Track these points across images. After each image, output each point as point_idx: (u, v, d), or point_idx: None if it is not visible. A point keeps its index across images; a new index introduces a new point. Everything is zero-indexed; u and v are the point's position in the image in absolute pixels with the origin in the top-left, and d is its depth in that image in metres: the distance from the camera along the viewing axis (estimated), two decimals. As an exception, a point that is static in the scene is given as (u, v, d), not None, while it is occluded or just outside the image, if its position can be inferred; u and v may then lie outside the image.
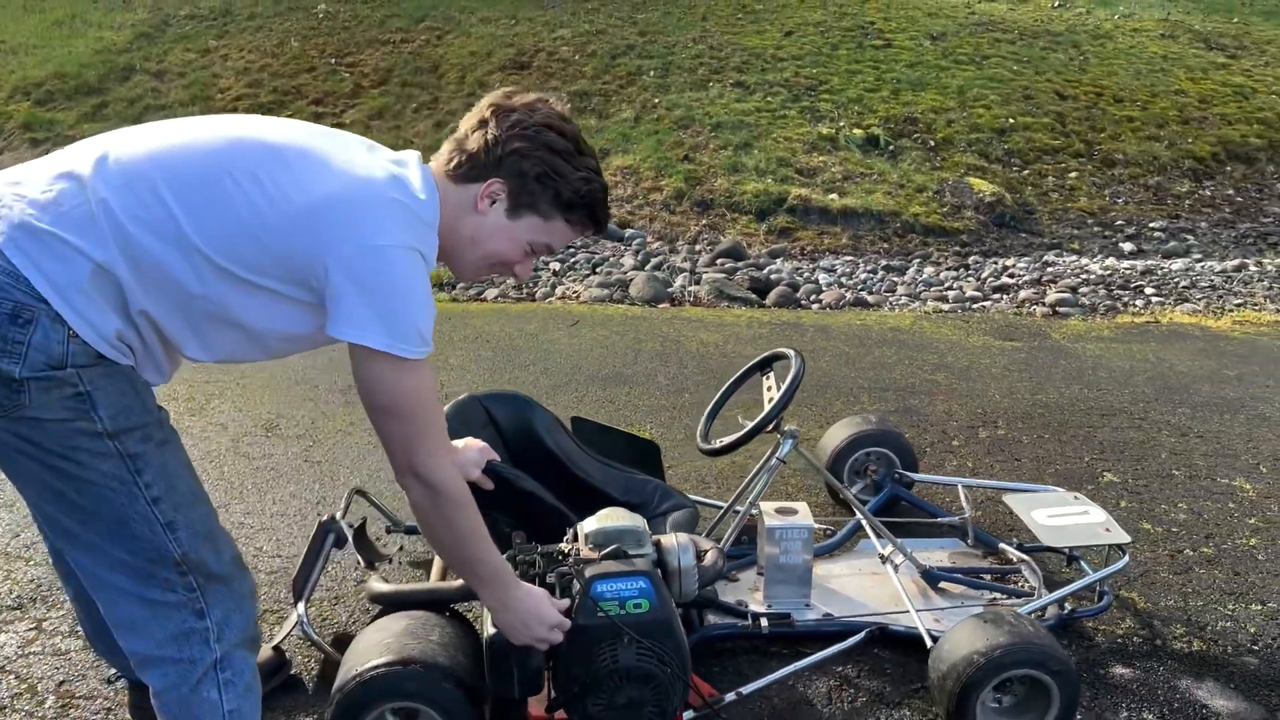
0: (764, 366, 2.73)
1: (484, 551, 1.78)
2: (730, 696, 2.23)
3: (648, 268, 6.75)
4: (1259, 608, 2.83)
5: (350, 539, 2.50)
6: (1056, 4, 12.99)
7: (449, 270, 1.89)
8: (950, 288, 6.65)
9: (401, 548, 3.01)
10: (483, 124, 1.71)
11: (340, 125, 8.78)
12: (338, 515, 2.54)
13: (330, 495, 3.41)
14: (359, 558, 2.62)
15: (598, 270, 6.77)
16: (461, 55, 9.84)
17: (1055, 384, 4.75)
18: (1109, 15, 12.67)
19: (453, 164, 1.72)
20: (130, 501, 1.55)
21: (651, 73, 9.67)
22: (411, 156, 1.72)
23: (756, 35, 10.72)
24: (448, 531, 1.75)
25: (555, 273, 6.73)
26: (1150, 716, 2.34)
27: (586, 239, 1.76)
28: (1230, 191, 8.83)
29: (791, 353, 2.62)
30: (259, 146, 1.58)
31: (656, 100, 9.18)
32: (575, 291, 6.36)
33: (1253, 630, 2.72)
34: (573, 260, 6.93)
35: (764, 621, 2.42)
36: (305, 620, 2.27)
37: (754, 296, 6.31)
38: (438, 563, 2.54)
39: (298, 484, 3.52)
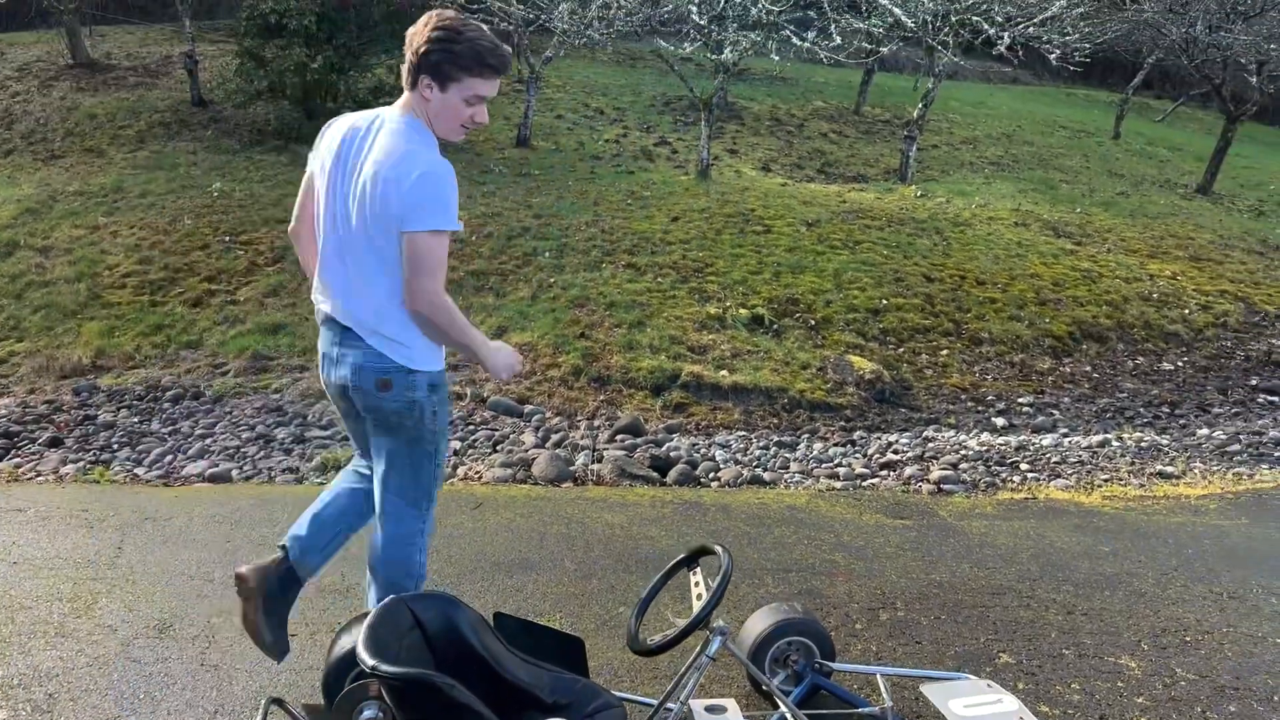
0: (690, 562, 2.82)
1: (469, 337, 2.83)
2: None
3: (548, 444, 6.83)
4: (1157, 790, 2.96)
5: None
6: (919, 194, 14.07)
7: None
8: (840, 464, 6.91)
9: None
10: (405, 50, 2.70)
11: (234, 302, 8.76)
12: None
13: (229, 704, 3.29)
14: None
15: (499, 448, 6.80)
16: (358, 234, 10.00)
17: (947, 563, 4.95)
18: (967, 204, 13.77)
19: (407, 84, 2.75)
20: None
21: (547, 254, 10.00)
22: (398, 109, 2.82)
23: (645, 220, 11.26)
24: (451, 328, 2.76)
25: (456, 452, 6.73)
26: None
27: (498, 76, 2.31)
28: (1088, 368, 9.52)
29: (719, 549, 2.71)
30: None
31: (552, 280, 9.47)
32: (478, 472, 6.36)
33: (1154, 814, 2.83)
34: (473, 439, 6.96)
35: None
36: None
37: (655, 475, 6.43)
38: None
39: (194, 691, 3.37)
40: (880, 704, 3.01)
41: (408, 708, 2.32)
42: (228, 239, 9.81)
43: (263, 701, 2.69)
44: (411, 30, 2.68)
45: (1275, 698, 3.64)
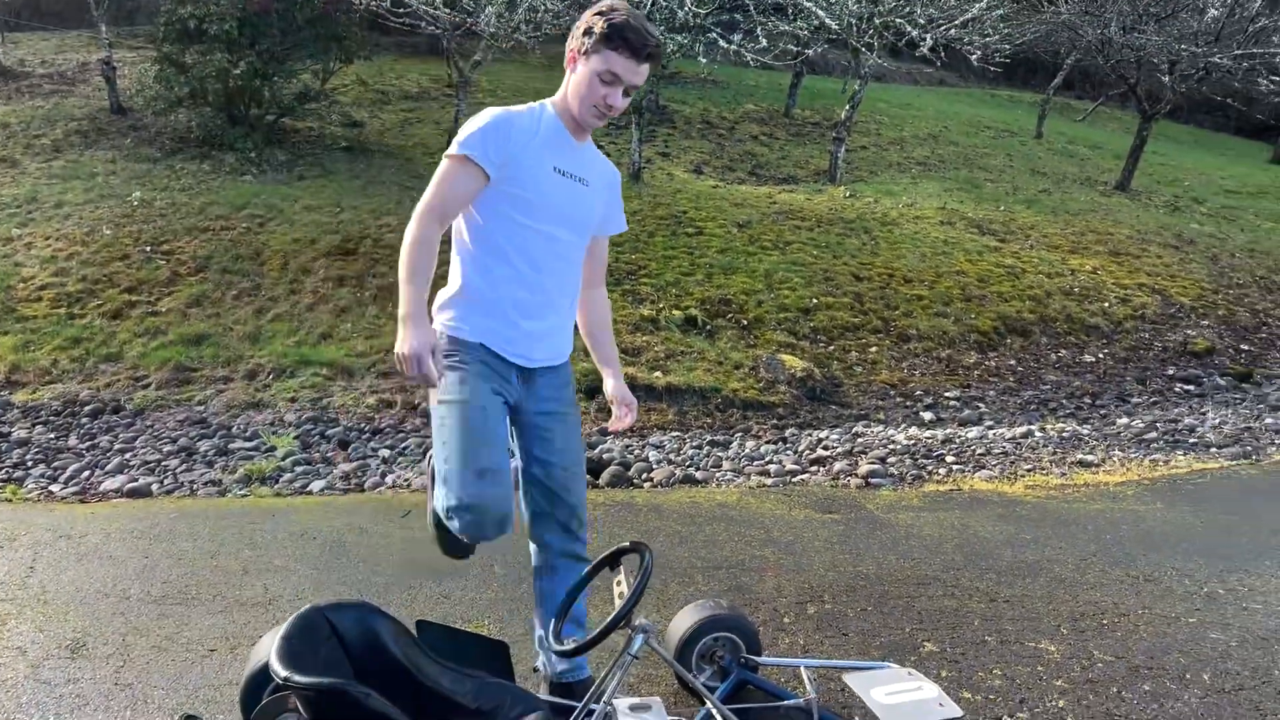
0: (612, 562, 2.81)
1: (410, 287, 2.73)
2: None
3: (479, 452, 6.77)
4: (1072, 769, 3.03)
5: None
6: (847, 194, 14.26)
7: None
8: (771, 461, 6.97)
9: None
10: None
11: (155, 313, 8.55)
12: None
13: (147, 720, 3.20)
14: None
15: (430, 455, 6.72)
16: (284, 242, 9.84)
17: (873, 555, 5.02)
18: (894, 204, 14.00)
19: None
20: None
21: (477, 258, 9.93)
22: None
23: (577, 222, 11.24)
24: (402, 254, 2.82)
25: (385, 460, 6.65)
26: None
27: (631, 58, 2.41)
28: (1012, 362, 9.73)
29: (640, 548, 2.71)
30: None
31: (483, 285, 9.40)
32: (407, 479, 6.29)
33: (1069, 793, 2.90)
34: (403, 446, 6.88)
35: None
36: None
37: (589, 477, 6.41)
38: None
39: (107, 712, 3.28)
40: (805, 696, 3.04)
41: (324, 719, 2.28)
42: (148, 249, 9.58)
43: (178, 718, 2.63)
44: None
45: (1187, 676, 3.75)
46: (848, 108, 15.00)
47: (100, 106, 13.93)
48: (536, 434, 3.05)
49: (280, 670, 2.22)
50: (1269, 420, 8.44)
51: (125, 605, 4.13)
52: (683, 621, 3.30)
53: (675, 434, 7.55)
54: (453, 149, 2.82)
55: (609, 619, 2.54)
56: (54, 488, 5.94)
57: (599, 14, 2.76)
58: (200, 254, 9.50)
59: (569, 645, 2.58)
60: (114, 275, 9.06)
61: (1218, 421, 8.36)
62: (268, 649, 2.50)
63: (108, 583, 4.35)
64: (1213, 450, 7.52)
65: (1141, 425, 8.12)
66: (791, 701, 3.13)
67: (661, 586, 4.46)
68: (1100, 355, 10.12)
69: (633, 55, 2.75)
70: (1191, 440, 7.77)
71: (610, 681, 2.63)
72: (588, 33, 2.76)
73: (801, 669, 3.16)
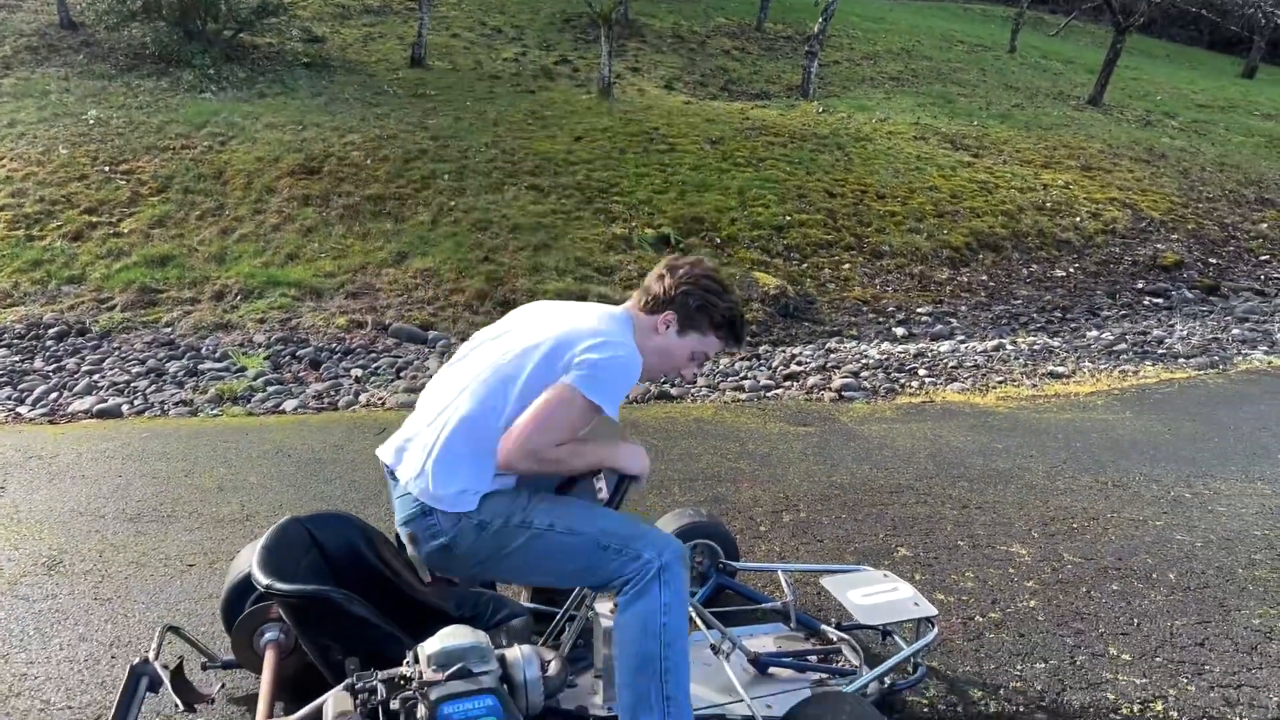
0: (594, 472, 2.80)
1: (585, 460, 2.40)
2: None
3: (453, 371, 6.73)
4: (1042, 665, 3.10)
5: (166, 681, 2.36)
6: (820, 110, 14.10)
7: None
8: (745, 377, 6.99)
9: (223, 685, 2.84)
10: (661, 276, 2.54)
11: (117, 234, 8.35)
12: (150, 656, 2.38)
13: (125, 635, 3.20)
14: (176, 701, 2.47)
15: (402, 375, 6.69)
16: (247, 161, 9.61)
17: (847, 465, 5.07)
18: (868, 119, 13.87)
19: (642, 303, 2.56)
20: None
21: (446, 176, 9.77)
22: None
23: (548, 140, 11.06)
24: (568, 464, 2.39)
25: (357, 379, 6.60)
26: (960, 778, 2.52)
27: (729, 351, 2.44)
28: (984, 277, 9.76)
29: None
30: None
31: (453, 203, 9.27)
32: (381, 398, 6.26)
33: (1039, 688, 2.98)
34: (375, 366, 6.83)
35: None
36: None
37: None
38: (264, 698, 2.43)
39: (87, 625, 3.27)
40: (782, 599, 3.08)
41: (307, 626, 2.28)
42: (107, 169, 9.33)
43: (159, 629, 2.63)
44: (675, 261, 2.60)
45: (1154, 575, 3.83)
46: (820, 21, 14.75)
47: (50, 21, 13.43)
48: None
49: (262, 579, 2.21)
50: (1235, 331, 8.55)
51: (101, 524, 4.10)
52: (662, 529, 3.32)
53: (649, 351, 7.53)
54: (592, 395, 2.32)
55: None
56: (21, 409, 5.86)
57: (713, 295, 2.54)
58: (161, 174, 9.27)
59: None
60: (73, 196, 8.83)
61: (1185, 333, 8.47)
62: (248, 561, 2.49)
63: (82, 501, 4.32)
64: (1180, 361, 7.63)
65: (1111, 338, 8.20)
66: (769, 604, 3.18)
67: (639, 498, 4.49)
68: (1071, 270, 10.18)
69: (735, 345, 2.70)
70: (1160, 351, 7.86)
71: None
72: (702, 309, 2.53)
73: (779, 573, 3.19)
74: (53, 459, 4.85)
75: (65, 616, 3.33)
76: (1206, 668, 3.14)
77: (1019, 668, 3.08)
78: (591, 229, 9.15)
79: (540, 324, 2.53)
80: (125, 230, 8.43)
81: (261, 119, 10.74)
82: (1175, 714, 2.88)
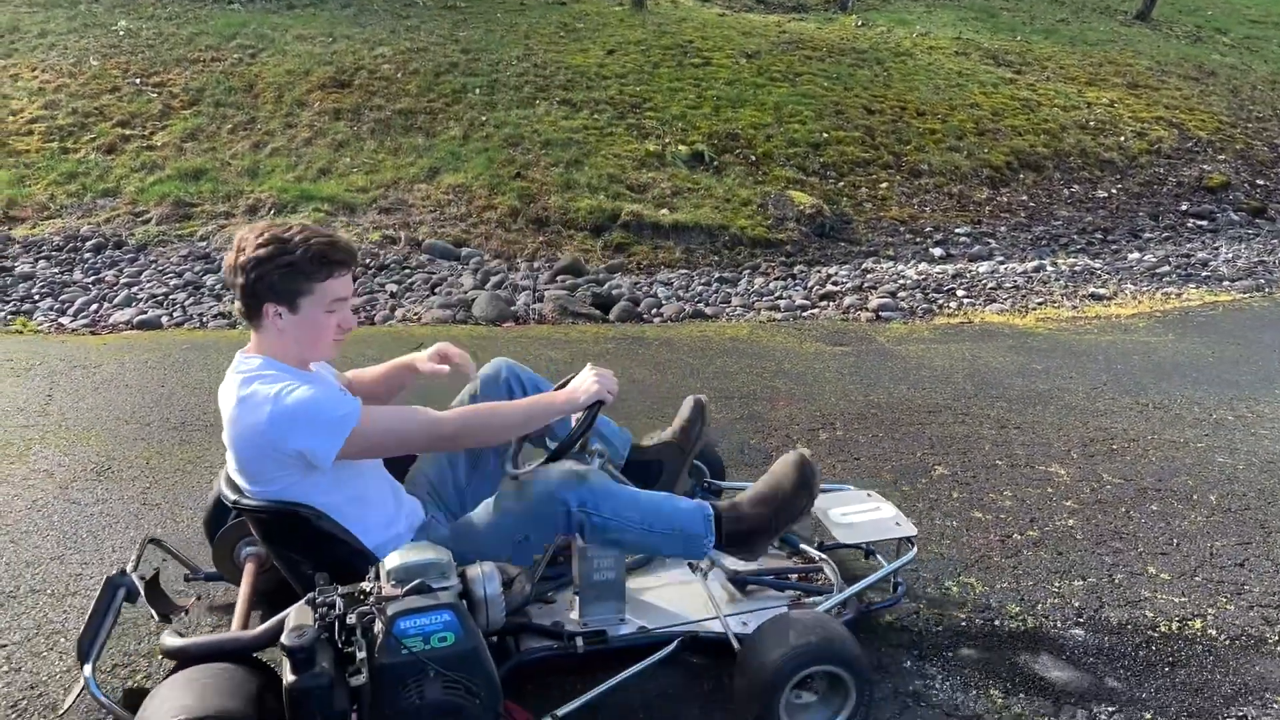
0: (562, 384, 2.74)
1: (511, 416, 2.35)
2: None
3: (488, 286, 6.73)
4: (1081, 583, 3.11)
5: (142, 592, 2.38)
6: (859, 24, 13.73)
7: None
8: (781, 297, 6.94)
9: (199, 597, 2.87)
10: (233, 287, 2.23)
11: (150, 148, 8.34)
12: (128, 568, 2.40)
13: (174, 538, 3.26)
14: (151, 611, 2.51)
15: (437, 291, 6.69)
16: (278, 74, 9.52)
17: (884, 385, 5.04)
18: (908, 34, 13.50)
19: (251, 327, 2.26)
20: None
21: (477, 90, 9.64)
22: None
23: (580, 54, 10.86)
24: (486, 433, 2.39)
25: (393, 294, 6.62)
26: (996, 692, 2.54)
27: (345, 270, 1.97)
28: (1024, 197, 9.58)
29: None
30: None
31: (484, 118, 9.16)
32: (416, 314, 6.27)
33: (1077, 605, 2.98)
34: (410, 281, 6.83)
35: (579, 641, 2.41)
36: (93, 683, 2.07)
37: (598, 312, 6.39)
38: (240, 609, 2.45)
39: (137, 529, 3.34)
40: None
41: (273, 540, 2.28)
42: (138, 81, 9.28)
43: (139, 541, 2.66)
44: (229, 258, 2.22)
45: (1194, 497, 3.81)
46: (862, -70, 14.27)
47: (76, -71, 13.23)
48: None
49: (229, 494, 2.21)
50: (1282, 255, 8.37)
51: (146, 431, 4.17)
52: None
53: (683, 271, 7.48)
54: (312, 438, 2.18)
55: (554, 447, 2.48)
56: (64, 320, 5.93)
57: (273, 250, 2.17)
58: (192, 86, 9.21)
59: (516, 473, 2.50)
60: (105, 108, 8.81)
61: (1230, 255, 8.29)
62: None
63: (127, 410, 4.38)
64: (1225, 283, 7.48)
65: (1154, 260, 8.05)
66: None
67: (673, 414, 4.49)
68: (1114, 191, 9.95)
69: (347, 270, 2.29)
70: (1204, 274, 7.72)
71: None
72: (287, 275, 2.18)
73: None
74: (97, 368, 4.92)
75: (116, 520, 3.40)
76: (1246, 588, 3.13)
77: (1057, 584, 3.09)
78: (624, 145, 9.02)
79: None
80: (158, 143, 8.42)
81: (291, 31, 10.60)
82: (1214, 632, 2.88)
